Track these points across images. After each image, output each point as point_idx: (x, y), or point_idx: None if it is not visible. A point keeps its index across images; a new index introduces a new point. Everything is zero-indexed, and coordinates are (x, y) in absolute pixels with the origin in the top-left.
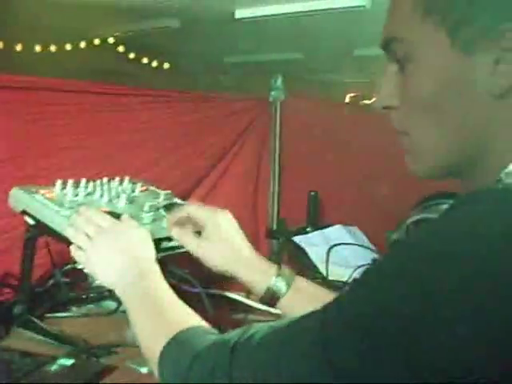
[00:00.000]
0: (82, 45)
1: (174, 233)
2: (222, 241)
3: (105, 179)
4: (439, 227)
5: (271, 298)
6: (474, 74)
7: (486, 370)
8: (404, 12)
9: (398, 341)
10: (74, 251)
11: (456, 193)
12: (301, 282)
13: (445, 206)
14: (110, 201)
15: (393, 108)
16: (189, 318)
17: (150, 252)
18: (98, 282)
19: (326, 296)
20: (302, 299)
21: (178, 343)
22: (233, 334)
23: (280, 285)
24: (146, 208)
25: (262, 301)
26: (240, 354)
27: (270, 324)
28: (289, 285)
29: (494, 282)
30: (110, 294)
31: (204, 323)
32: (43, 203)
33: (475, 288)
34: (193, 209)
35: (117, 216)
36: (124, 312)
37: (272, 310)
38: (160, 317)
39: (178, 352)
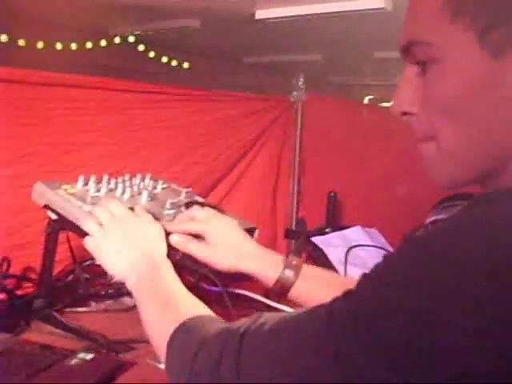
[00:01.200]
0: (103, 43)
1: (175, 241)
2: (224, 243)
3: (126, 176)
4: (453, 226)
5: (281, 288)
6: (503, 78)
7: (488, 374)
8: (429, 14)
9: (403, 337)
10: (85, 238)
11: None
12: (310, 269)
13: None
14: (132, 197)
15: (413, 114)
16: (199, 308)
17: (162, 248)
18: (112, 276)
19: (335, 279)
20: (312, 286)
21: (186, 330)
22: (242, 322)
23: (289, 274)
24: (168, 205)
25: (273, 292)
26: (249, 342)
27: (281, 314)
28: (297, 273)
29: (506, 284)
30: (129, 291)
31: (212, 313)
32: (65, 198)
33: (485, 289)
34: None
35: (131, 209)
36: None
37: (290, 309)
38: (169, 306)
39: (186, 338)
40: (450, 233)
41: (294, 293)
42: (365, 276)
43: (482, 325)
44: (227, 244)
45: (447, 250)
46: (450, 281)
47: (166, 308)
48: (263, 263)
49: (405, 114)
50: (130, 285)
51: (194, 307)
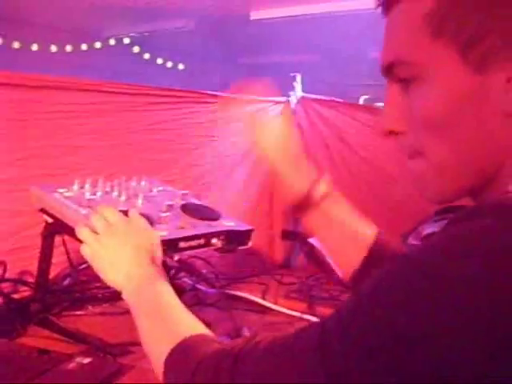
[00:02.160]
0: (98, 45)
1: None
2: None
3: (122, 178)
4: (438, 243)
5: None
6: (486, 92)
7: None
8: (409, 33)
9: (394, 354)
10: (81, 246)
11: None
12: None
13: None
14: (128, 200)
15: (400, 132)
16: (194, 325)
17: (157, 255)
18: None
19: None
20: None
21: (182, 351)
22: (236, 343)
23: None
24: (164, 208)
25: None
26: (243, 362)
27: (275, 334)
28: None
29: (491, 299)
30: None
31: (208, 331)
32: (62, 202)
33: (471, 304)
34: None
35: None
36: None
37: (287, 310)
38: (166, 324)
39: (182, 360)
40: (435, 252)
41: (311, 218)
42: (356, 292)
43: (474, 344)
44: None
45: (433, 269)
46: (438, 300)
47: (163, 326)
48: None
49: (391, 132)
50: (126, 296)
51: (190, 325)
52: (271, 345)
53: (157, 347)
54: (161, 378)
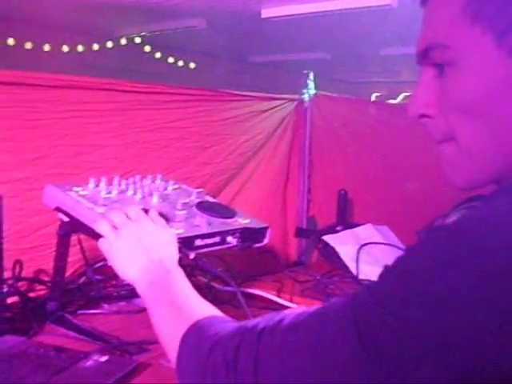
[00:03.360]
0: (109, 44)
1: None
2: None
3: (137, 177)
4: (481, 214)
5: None
6: None
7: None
8: (448, 19)
9: (426, 324)
10: (100, 240)
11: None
12: None
13: None
14: (143, 198)
15: (430, 116)
16: (211, 310)
17: (174, 255)
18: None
19: None
20: None
21: (199, 328)
22: (259, 320)
23: None
24: (179, 206)
25: None
26: (268, 338)
27: (299, 309)
28: None
29: None
30: None
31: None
32: (77, 200)
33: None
34: None
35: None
36: None
37: (303, 307)
38: (181, 310)
39: (199, 335)
40: (478, 223)
41: None
42: (387, 266)
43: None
44: None
45: (474, 241)
46: (477, 272)
47: (178, 311)
48: None
49: (422, 116)
50: (141, 290)
51: (206, 310)
52: (297, 318)
53: (172, 332)
54: (174, 361)
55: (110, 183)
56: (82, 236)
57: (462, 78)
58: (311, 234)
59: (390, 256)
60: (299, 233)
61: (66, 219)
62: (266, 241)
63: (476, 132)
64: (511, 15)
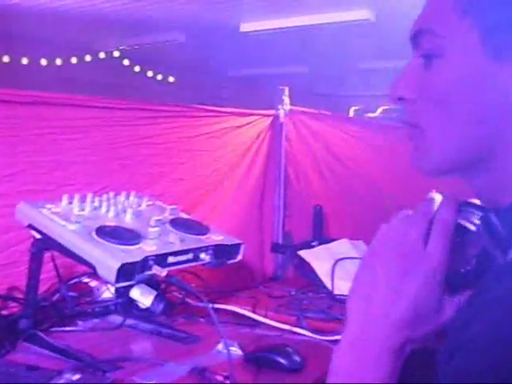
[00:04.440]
0: (88, 58)
1: None
2: None
3: (111, 194)
4: None
5: None
6: (503, 80)
7: None
8: (442, 7)
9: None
10: None
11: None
12: None
13: None
14: (117, 215)
15: (407, 100)
16: None
17: None
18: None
19: None
20: None
21: None
22: None
23: None
24: (152, 223)
25: None
26: None
27: None
28: None
29: None
30: (116, 309)
31: None
32: (49, 218)
33: None
34: None
35: None
36: (129, 326)
37: (278, 324)
38: None
39: None
40: None
41: None
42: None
43: None
44: None
45: None
46: None
47: None
48: None
49: (400, 98)
50: None
51: None
52: None
53: None
54: None
55: (83, 200)
56: (56, 253)
57: (443, 72)
58: (287, 249)
59: None
60: (275, 248)
61: (38, 236)
62: (239, 257)
63: (443, 125)
64: (497, 15)
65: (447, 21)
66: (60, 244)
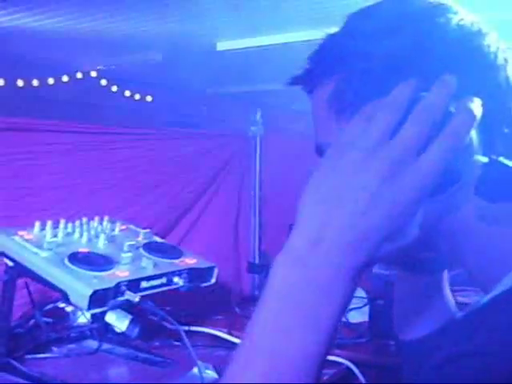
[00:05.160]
0: (65, 79)
1: None
2: None
3: (84, 219)
4: None
5: None
6: None
7: None
8: (320, 118)
9: None
10: None
11: None
12: None
13: None
14: (90, 241)
15: None
16: None
17: None
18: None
19: None
20: None
21: None
22: None
23: None
24: (125, 248)
25: None
26: None
27: None
28: None
29: None
30: (91, 334)
31: None
32: (21, 245)
33: None
34: None
35: None
36: (105, 351)
37: None
38: None
39: None
40: None
41: None
42: None
43: None
44: None
45: None
46: None
47: None
48: None
49: None
50: None
51: None
52: None
53: None
54: None
55: (56, 226)
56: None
57: None
58: (263, 268)
59: None
60: (251, 268)
61: (10, 264)
62: (213, 280)
63: None
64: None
65: (329, 128)
66: (32, 271)
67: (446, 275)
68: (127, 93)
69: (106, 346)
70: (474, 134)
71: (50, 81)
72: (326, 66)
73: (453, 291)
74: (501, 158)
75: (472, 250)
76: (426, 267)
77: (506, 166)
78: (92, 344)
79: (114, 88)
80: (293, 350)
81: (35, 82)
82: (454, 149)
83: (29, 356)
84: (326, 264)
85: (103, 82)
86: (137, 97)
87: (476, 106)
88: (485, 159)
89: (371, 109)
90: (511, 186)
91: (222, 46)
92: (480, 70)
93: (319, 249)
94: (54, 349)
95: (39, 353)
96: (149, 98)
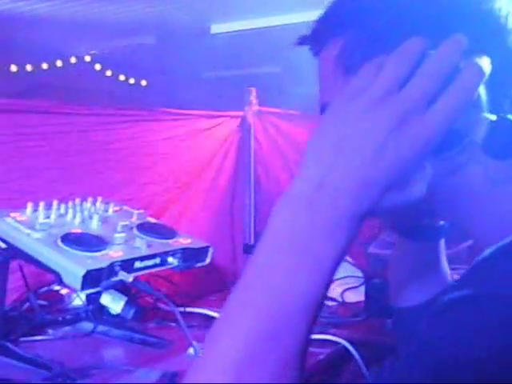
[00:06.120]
0: (59, 64)
1: None
2: None
3: (77, 200)
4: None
5: None
6: None
7: None
8: (328, 77)
9: None
10: None
11: None
12: None
13: None
14: (83, 222)
15: None
16: None
17: None
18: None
19: None
20: None
21: None
22: None
23: None
24: (119, 228)
25: None
26: None
27: None
28: None
29: None
30: (87, 316)
31: None
32: (14, 226)
33: None
34: None
35: None
36: (100, 333)
37: None
38: None
39: None
40: None
41: None
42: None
43: None
44: None
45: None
46: None
47: None
48: None
49: None
50: None
51: None
52: None
53: None
54: None
55: (48, 207)
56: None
57: None
58: None
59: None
60: (246, 249)
61: (3, 246)
62: (208, 260)
63: None
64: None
65: (336, 89)
66: (25, 253)
67: (443, 244)
68: (122, 77)
69: (101, 327)
70: (482, 91)
71: (44, 66)
72: (334, 26)
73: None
74: (509, 116)
75: (476, 210)
76: (424, 234)
77: None
78: (87, 326)
79: (109, 73)
80: (293, 290)
81: (29, 67)
82: (462, 103)
83: (24, 339)
84: (330, 207)
85: (97, 66)
86: (131, 81)
87: (485, 63)
88: (493, 117)
89: (380, 60)
90: None
91: (216, 28)
92: (490, 33)
93: (323, 192)
94: (49, 331)
95: (34, 335)
96: (143, 83)
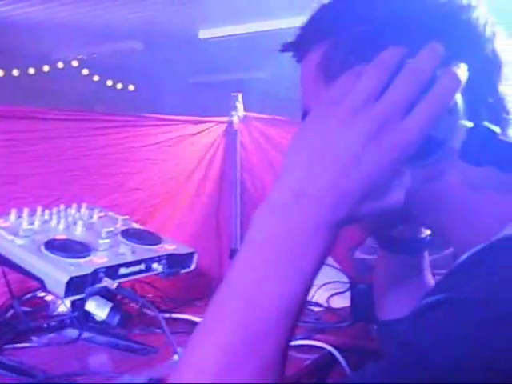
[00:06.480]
0: (46, 68)
1: None
2: None
3: (61, 206)
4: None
5: None
6: None
7: None
8: (309, 83)
9: None
10: None
11: None
12: None
13: None
14: (67, 228)
15: None
16: None
17: None
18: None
19: None
20: None
21: None
22: None
23: None
24: (103, 234)
25: None
26: None
27: None
28: None
29: None
30: (72, 323)
31: None
32: None
33: None
34: None
35: None
36: (86, 340)
37: None
38: None
39: None
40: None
41: None
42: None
43: None
44: None
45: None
46: None
47: None
48: None
49: None
50: None
51: None
52: None
53: None
54: None
55: (32, 214)
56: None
57: None
58: None
59: (321, 275)
60: (233, 254)
61: None
62: (193, 266)
63: None
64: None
65: (316, 95)
66: (8, 259)
67: (426, 257)
68: (109, 82)
69: (86, 334)
70: (459, 98)
71: (31, 70)
72: (315, 34)
73: (433, 275)
74: (485, 123)
75: (455, 217)
76: (406, 247)
77: (491, 130)
78: (72, 333)
79: (96, 78)
80: (271, 296)
81: (15, 72)
82: (439, 110)
83: (8, 346)
84: (307, 217)
85: (85, 71)
86: (119, 86)
87: (462, 71)
88: (470, 124)
89: (358, 70)
90: (495, 150)
91: (204, 34)
92: (468, 41)
93: (301, 202)
94: (34, 338)
95: (19, 342)
96: (131, 87)
